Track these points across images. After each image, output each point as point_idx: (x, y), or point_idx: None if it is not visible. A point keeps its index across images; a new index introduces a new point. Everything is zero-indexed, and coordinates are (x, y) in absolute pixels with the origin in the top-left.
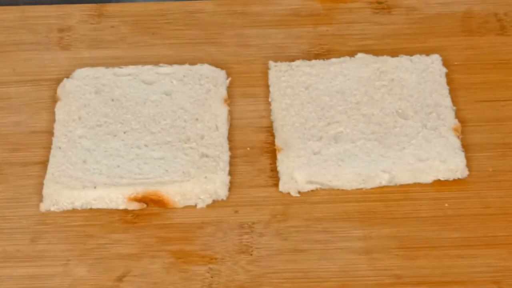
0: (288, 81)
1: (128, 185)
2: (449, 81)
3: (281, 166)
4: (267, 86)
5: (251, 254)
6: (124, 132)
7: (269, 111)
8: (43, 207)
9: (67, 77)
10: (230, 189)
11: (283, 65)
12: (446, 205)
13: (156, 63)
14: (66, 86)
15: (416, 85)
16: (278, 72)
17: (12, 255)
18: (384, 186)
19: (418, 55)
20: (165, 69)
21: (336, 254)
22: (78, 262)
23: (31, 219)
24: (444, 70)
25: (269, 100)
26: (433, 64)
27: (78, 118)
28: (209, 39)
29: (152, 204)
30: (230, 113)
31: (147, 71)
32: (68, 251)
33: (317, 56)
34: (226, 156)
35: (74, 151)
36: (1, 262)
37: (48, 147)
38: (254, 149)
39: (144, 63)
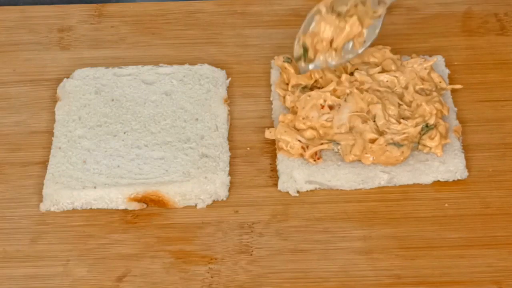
0: None
1: (128, 185)
2: (449, 81)
3: (280, 165)
4: (267, 86)
5: (251, 254)
6: (124, 132)
7: (269, 111)
8: (43, 207)
9: (67, 77)
10: (230, 189)
11: None
12: (446, 205)
13: (156, 63)
14: (66, 86)
15: None
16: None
17: (12, 255)
18: (384, 186)
19: (421, 56)
20: (165, 69)
21: (336, 254)
22: (78, 262)
23: (31, 219)
24: (447, 71)
25: (271, 99)
26: (436, 65)
27: (78, 118)
28: (209, 39)
29: (152, 204)
30: (230, 113)
31: (147, 71)
32: (68, 251)
33: None
34: (226, 156)
35: (74, 151)
36: (1, 262)
37: (48, 147)
38: (254, 149)
39: (144, 63)
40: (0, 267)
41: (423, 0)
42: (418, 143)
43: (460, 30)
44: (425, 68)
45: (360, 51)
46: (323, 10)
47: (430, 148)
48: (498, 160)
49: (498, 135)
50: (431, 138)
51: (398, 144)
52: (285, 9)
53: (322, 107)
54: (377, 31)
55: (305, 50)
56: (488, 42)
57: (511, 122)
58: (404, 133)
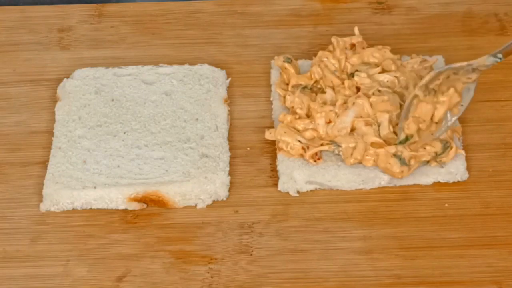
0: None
1: (128, 185)
2: None
3: (280, 166)
4: (267, 86)
5: (251, 254)
6: (124, 132)
7: (269, 111)
8: (43, 207)
9: (67, 77)
10: (230, 189)
11: None
12: (446, 205)
13: (156, 63)
14: (66, 86)
15: None
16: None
17: (12, 255)
18: (384, 186)
19: (421, 56)
20: (165, 69)
21: (336, 254)
22: (78, 262)
23: (31, 219)
24: None
25: (271, 99)
26: (436, 65)
27: (78, 118)
28: (209, 39)
29: (152, 204)
30: (230, 113)
31: (147, 71)
32: (68, 251)
33: None
34: (226, 156)
35: (74, 151)
36: (1, 262)
37: (48, 147)
38: (254, 149)
39: (144, 63)
40: (0, 267)
41: (423, 0)
42: (428, 161)
43: (460, 30)
44: (425, 68)
45: (459, 115)
46: (421, 94)
47: (440, 161)
48: (498, 160)
49: (498, 135)
50: (447, 156)
51: (402, 160)
52: (285, 9)
53: (330, 121)
54: (471, 92)
55: (408, 136)
56: (488, 42)
57: (511, 122)
58: (429, 154)
